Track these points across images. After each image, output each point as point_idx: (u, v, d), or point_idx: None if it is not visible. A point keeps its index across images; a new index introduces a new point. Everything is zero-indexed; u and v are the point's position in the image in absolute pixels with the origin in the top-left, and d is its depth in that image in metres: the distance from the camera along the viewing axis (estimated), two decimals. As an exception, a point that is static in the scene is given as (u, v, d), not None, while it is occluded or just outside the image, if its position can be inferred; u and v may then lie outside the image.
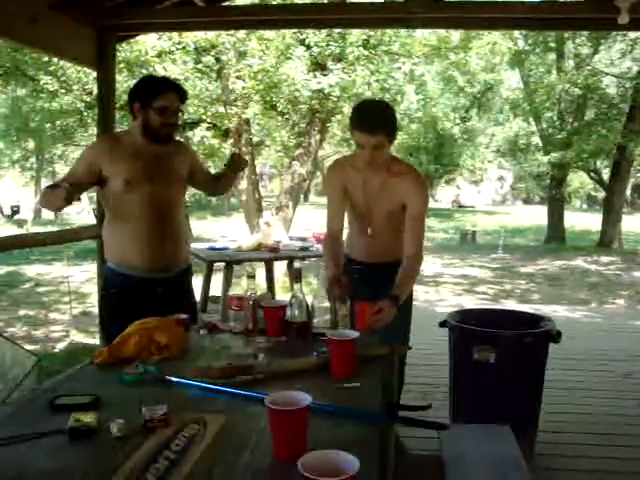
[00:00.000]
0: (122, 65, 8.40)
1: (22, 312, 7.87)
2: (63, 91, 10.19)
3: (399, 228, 2.70)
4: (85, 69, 8.67)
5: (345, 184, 2.73)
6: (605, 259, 14.72)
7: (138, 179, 2.51)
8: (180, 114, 2.60)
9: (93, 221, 4.08)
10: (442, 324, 3.54)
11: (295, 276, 2.23)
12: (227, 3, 4.58)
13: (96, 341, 4.37)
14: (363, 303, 2.31)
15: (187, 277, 2.82)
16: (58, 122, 11.32)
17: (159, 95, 2.49)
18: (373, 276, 2.68)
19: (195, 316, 2.70)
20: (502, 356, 3.20)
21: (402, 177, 2.65)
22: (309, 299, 2.24)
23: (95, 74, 4.42)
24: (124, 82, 9.15)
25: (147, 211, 2.53)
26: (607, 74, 17.76)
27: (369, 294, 2.41)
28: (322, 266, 2.60)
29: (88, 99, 9.85)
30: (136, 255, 2.55)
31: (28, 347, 4.37)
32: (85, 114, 10.65)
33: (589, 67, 17.33)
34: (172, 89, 2.55)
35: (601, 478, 3.05)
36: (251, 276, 2.37)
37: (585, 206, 40.54)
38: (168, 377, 1.80)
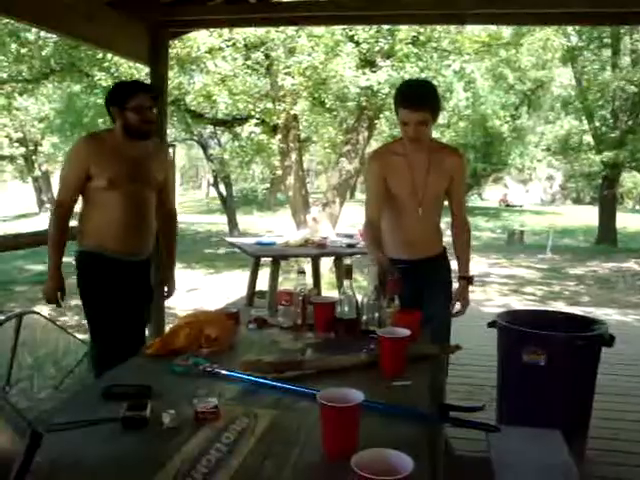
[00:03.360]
0: (173, 61, 8.52)
1: (73, 302, 8.05)
2: (116, 87, 10.39)
3: (439, 215, 2.87)
4: (137, 65, 8.82)
5: (385, 174, 2.73)
6: (659, 262, 14.28)
7: (121, 179, 2.72)
8: (155, 110, 2.79)
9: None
10: (491, 324, 3.48)
11: (345, 272, 2.22)
12: (278, -1, 4.59)
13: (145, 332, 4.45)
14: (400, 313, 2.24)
15: (148, 266, 3.03)
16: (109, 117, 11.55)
17: (132, 96, 2.71)
18: (413, 276, 2.62)
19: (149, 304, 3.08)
20: (553, 359, 3.13)
21: (445, 152, 2.80)
22: (358, 296, 2.23)
23: (148, 70, 4.49)
24: (175, 78, 9.30)
25: (126, 205, 2.75)
26: (665, 71, 17.18)
27: (409, 295, 2.35)
28: (370, 263, 2.57)
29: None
30: (113, 241, 2.76)
31: (80, 336, 4.47)
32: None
33: (646, 64, 16.82)
34: (142, 89, 2.79)
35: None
36: (301, 272, 2.38)
37: (638, 207, 39.40)
38: (218, 369, 1.81)
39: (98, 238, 2.77)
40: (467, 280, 2.93)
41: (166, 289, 3.20)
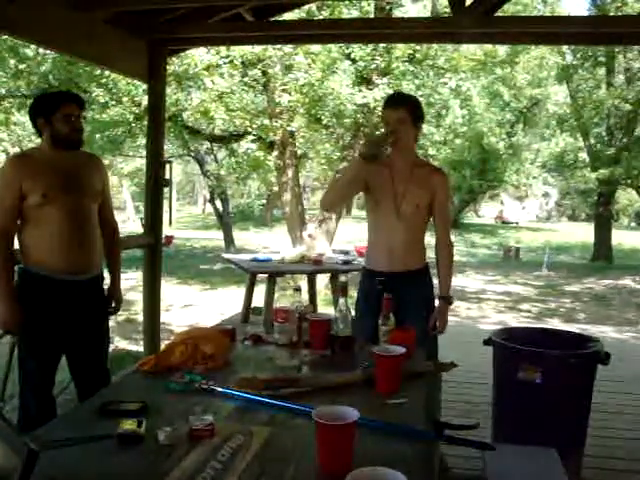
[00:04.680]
0: (171, 78, 8.57)
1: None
2: (113, 103, 10.45)
3: (422, 230, 2.91)
4: (135, 81, 8.87)
5: (367, 176, 2.78)
6: (655, 279, 14.31)
7: (55, 192, 2.61)
8: (82, 119, 2.74)
9: (140, 230, 4.16)
10: (486, 342, 3.47)
11: (340, 290, 2.23)
12: (275, 18, 4.63)
13: (140, 348, 4.43)
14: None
15: (100, 282, 2.92)
16: (107, 132, 11.59)
17: (60, 106, 2.64)
18: (393, 289, 2.60)
19: (107, 325, 2.97)
20: (548, 376, 3.13)
21: (428, 168, 2.96)
22: (354, 313, 2.23)
23: (145, 86, 4.52)
24: (172, 94, 9.34)
25: (64, 220, 2.63)
26: (659, 89, 17.34)
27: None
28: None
29: (137, 110, 10.07)
30: (56, 259, 2.64)
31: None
32: (134, 125, 10.88)
33: (640, 82, 16.97)
34: (70, 99, 2.73)
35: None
36: (297, 289, 2.38)
37: (633, 224, 39.54)
38: (214, 387, 1.81)
39: (38, 257, 2.64)
40: (446, 300, 2.93)
41: (113, 304, 3.03)
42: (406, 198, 2.79)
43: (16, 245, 2.70)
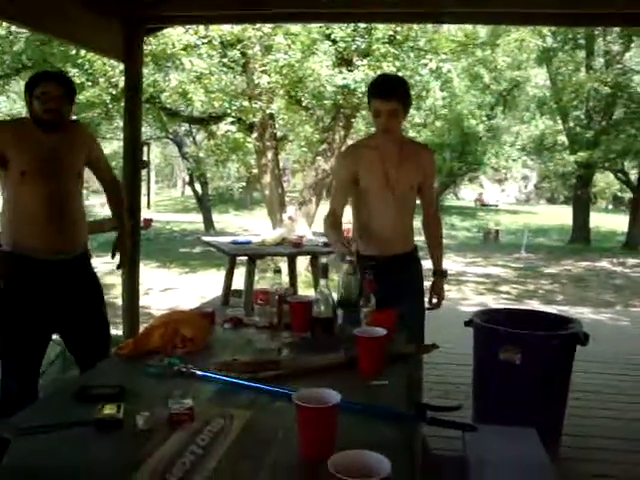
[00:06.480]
0: (148, 58, 8.43)
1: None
2: (89, 84, 10.25)
3: (412, 212, 2.88)
4: (112, 62, 8.72)
5: (357, 168, 2.76)
6: (631, 261, 14.52)
7: (34, 173, 2.59)
8: (62, 100, 2.65)
9: (109, 213, 4.10)
10: (467, 323, 3.49)
11: (321, 272, 2.21)
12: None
13: (119, 332, 4.38)
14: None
15: (87, 261, 2.92)
16: (83, 114, 11.39)
17: (39, 84, 2.62)
18: (385, 273, 2.59)
19: (102, 302, 2.97)
20: (528, 357, 3.15)
21: (416, 147, 2.97)
22: (335, 295, 2.21)
23: (122, 67, 4.43)
24: (150, 75, 9.20)
25: (43, 203, 2.61)
26: (638, 72, 17.46)
27: (381, 292, 2.31)
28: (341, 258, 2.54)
29: (114, 92, 9.90)
30: (33, 240, 2.63)
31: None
32: (111, 107, 10.71)
33: (619, 65, 17.07)
34: (51, 78, 2.68)
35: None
36: (277, 270, 2.36)
37: (611, 207, 39.99)
38: (193, 370, 1.79)
39: (17, 236, 2.65)
40: (441, 274, 2.99)
41: (118, 257, 3.10)
42: (399, 182, 2.76)
43: None
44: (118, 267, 3.24)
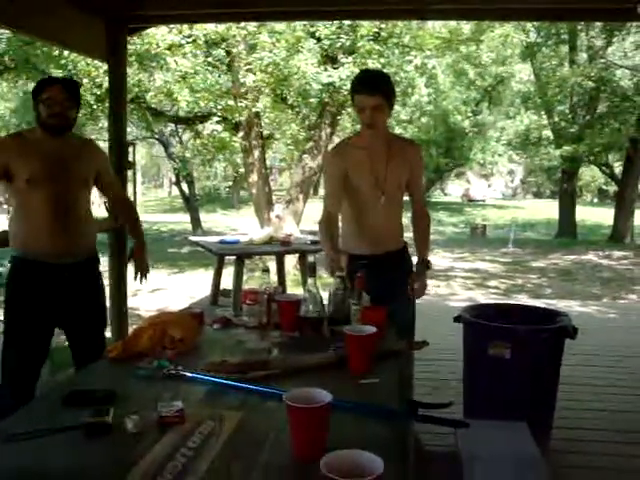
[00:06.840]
0: (132, 58, 8.37)
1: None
2: (73, 84, 10.16)
3: (401, 209, 2.89)
4: (95, 62, 8.65)
5: (347, 168, 2.74)
6: (617, 254, 14.63)
7: (39, 179, 2.61)
8: (67, 104, 2.66)
9: (105, 214, 4.06)
10: (456, 319, 3.49)
11: (309, 270, 2.20)
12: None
13: (107, 334, 4.35)
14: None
15: (93, 265, 2.93)
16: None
17: (44, 89, 2.64)
18: (376, 271, 2.60)
19: (103, 306, 3.00)
20: (518, 352, 3.16)
21: (403, 143, 2.91)
22: (323, 293, 2.21)
23: (106, 67, 4.39)
24: (134, 75, 9.14)
25: (49, 208, 2.64)
26: (621, 67, 17.59)
27: (372, 290, 2.31)
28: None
29: (98, 92, 9.83)
30: (41, 245, 2.66)
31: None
32: (95, 107, 10.63)
33: (602, 60, 17.18)
34: (56, 82, 2.71)
35: (618, 476, 3.01)
36: (265, 270, 2.35)
37: (596, 200, 40.29)
38: (182, 372, 1.78)
39: (25, 240, 2.69)
40: (424, 263, 2.86)
41: (134, 269, 3.11)
42: (388, 181, 2.74)
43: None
44: (135, 278, 3.17)
